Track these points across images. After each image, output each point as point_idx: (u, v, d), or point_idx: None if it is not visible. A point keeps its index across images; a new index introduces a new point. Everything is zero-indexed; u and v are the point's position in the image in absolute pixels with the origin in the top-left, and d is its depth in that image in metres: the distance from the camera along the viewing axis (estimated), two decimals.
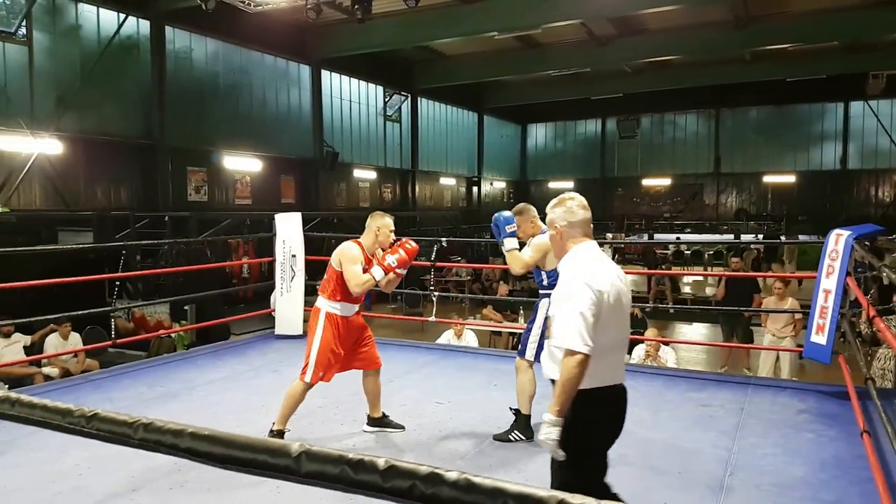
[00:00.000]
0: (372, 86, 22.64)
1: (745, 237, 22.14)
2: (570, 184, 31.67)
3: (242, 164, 17.48)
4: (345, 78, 21.28)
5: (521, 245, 4.54)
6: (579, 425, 2.50)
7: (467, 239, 19.65)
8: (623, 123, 30.28)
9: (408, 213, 23.32)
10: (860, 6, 16.37)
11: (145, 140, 14.86)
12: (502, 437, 4.41)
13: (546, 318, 4.34)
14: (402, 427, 4.56)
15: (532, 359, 4.42)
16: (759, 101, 27.42)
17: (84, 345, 8.43)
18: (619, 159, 31.12)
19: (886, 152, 26.03)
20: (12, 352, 8.01)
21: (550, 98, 26.84)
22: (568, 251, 2.67)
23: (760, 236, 23.14)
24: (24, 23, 12.60)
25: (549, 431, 2.46)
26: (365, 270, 4.25)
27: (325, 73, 20.08)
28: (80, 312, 6.83)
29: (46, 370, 8.30)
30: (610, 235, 23.64)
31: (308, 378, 4.17)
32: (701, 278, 16.28)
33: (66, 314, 7.02)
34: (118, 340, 7.09)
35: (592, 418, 2.55)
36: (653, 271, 15.60)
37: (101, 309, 7.48)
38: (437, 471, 0.81)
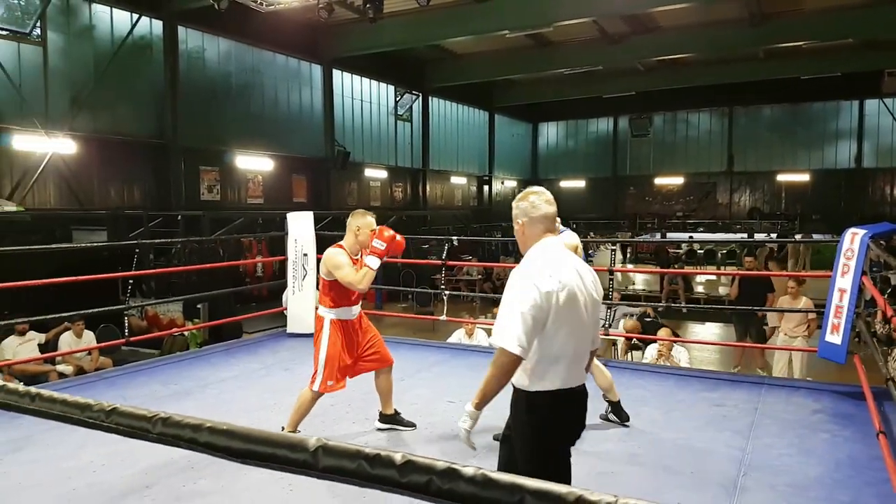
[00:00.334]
0: (383, 85, 22.67)
1: (758, 236, 22.01)
2: (581, 182, 31.62)
3: (254, 164, 17.54)
4: (356, 77, 21.31)
5: None
6: (535, 427, 2.51)
7: (478, 238, 19.62)
8: (635, 122, 30.17)
9: (418, 213, 23.35)
10: (875, 2, 16.22)
11: (158, 140, 14.94)
12: (501, 437, 4.39)
13: None
14: (413, 425, 4.56)
15: None
16: (773, 99, 27.23)
17: (98, 343, 8.48)
18: (631, 158, 30.99)
19: None
20: (27, 350, 8.07)
21: (562, 97, 26.77)
22: (529, 247, 2.62)
23: (774, 235, 22.99)
24: (38, 23, 12.69)
25: (464, 421, 2.51)
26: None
27: (336, 73, 20.12)
28: (93, 310, 6.88)
29: (61, 368, 8.36)
30: (619, 235, 23.55)
31: (316, 387, 4.16)
32: (714, 278, 16.20)
33: (79, 312, 7.08)
34: (131, 338, 7.14)
35: (547, 420, 2.51)
36: (665, 270, 15.53)
37: (114, 307, 7.52)
38: (455, 466, 0.81)
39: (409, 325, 12.28)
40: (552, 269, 2.46)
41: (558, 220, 4.45)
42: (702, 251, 19.69)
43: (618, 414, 4.62)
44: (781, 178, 28.08)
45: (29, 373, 7.99)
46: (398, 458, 0.83)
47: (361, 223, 4.23)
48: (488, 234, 23.08)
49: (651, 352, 7.58)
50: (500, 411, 4.87)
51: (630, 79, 24.58)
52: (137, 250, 8.12)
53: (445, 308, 7.73)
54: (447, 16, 16.68)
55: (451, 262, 8.76)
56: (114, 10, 14.06)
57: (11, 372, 7.73)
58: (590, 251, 15.41)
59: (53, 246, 10.03)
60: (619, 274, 11.27)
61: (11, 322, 7.61)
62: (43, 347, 8.43)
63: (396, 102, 23.30)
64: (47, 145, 12.62)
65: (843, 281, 5.06)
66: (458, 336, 8.26)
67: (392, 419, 4.56)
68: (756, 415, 4.86)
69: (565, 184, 31.96)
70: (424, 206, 24.57)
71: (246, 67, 17.33)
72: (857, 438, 4.37)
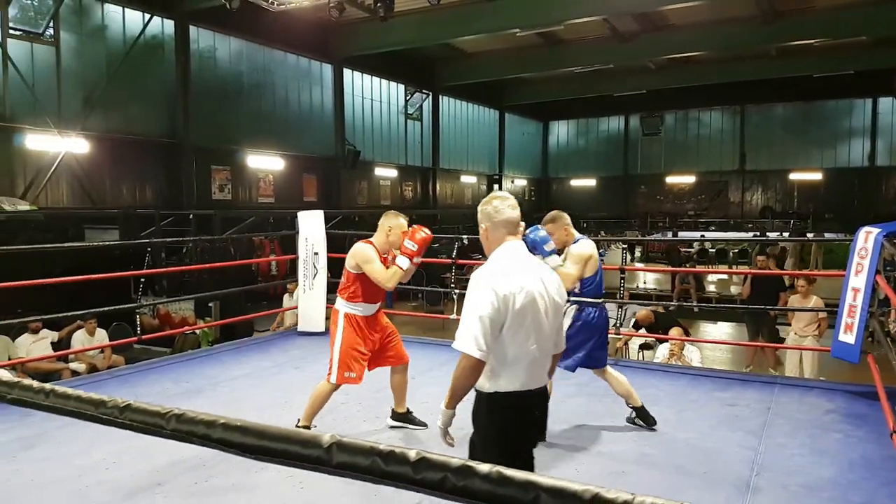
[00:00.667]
0: (393, 84, 22.68)
1: (770, 235, 21.88)
2: (592, 181, 31.52)
3: (265, 163, 17.59)
4: (366, 76, 21.33)
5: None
6: (494, 427, 2.54)
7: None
8: (646, 120, 30.05)
9: (429, 212, 23.34)
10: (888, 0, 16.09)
11: (170, 139, 15.00)
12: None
13: (568, 326, 4.33)
14: (424, 424, 4.56)
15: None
16: (785, 98, 27.03)
17: (110, 341, 8.52)
18: (642, 156, 30.87)
19: None
20: (40, 348, 8.12)
21: (573, 95, 26.68)
22: (493, 251, 2.66)
23: (786, 234, 22.85)
24: (51, 23, 12.78)
25: (438, 420, 2.62)
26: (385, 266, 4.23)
27: (347, 72, 20.15)
28: (106, 309, 6.92)
29: (73, 366, 8.41)
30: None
31: (333, 379, 4.17)
32: (726, 277, 16.10)
33: (92, 311, 7.12)
34: (143, 336, 7.17)
35: (505, 421, 2.53)
36: (676, 269, 15.46)
37: (126, 305, 7.55)
38: (469, 463, 0.81)
39: (419, 323, 12.28)
40: (510, 272, 2.50)
41: (571, 227, 4.46)
42: (713, 250, 19.59)
43: (644, 418, 4.57)
44: (794, 176, 27.90)
45: (42, 371, 8.04)
46: (412, 454, 0.83)
47: (393, 223, 4.25)
48: None
49: (663, 351, 7.54)
50: None
51: (641, 77, 24.47)
52: (149, 249, 8.14)
53: (456, 307, 7.73)
54: (458, 14, 16.66)
55: (460, 261, 8.76)
56: (126, 10, 14.13)
57: (25, 370, 7.78)
58: (601, 250, 15.33)
59: (66, 245, 10.08)
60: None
61: (25, 320, 7.66)
62: (56, 345, 8.48)
63: (407, 101, 23.31)
64: (60, 145, 12.70)
65: (857, 280, 5.02)
66: None
67: (404, 417, 4.57)
68: (769, 415, 4.83)
69: (576, 182, 31.87)
70: (434, 205, 24.56)
71: (257, 67, 17.38)
72: (871, 438, 4.34)
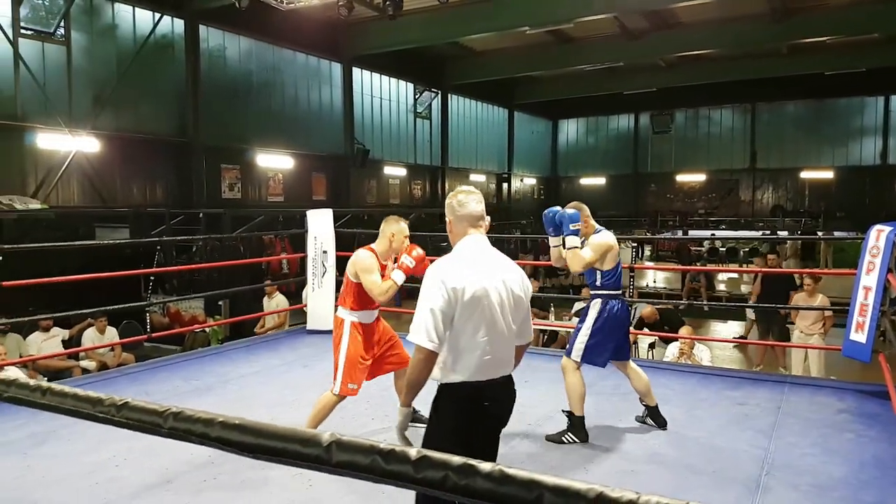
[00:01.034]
0: (402, 83, 22.67)
1: (781, 234, 21.76)
2: (601, 180, 31.42)
3: (275, 162, 17.62)
4: (375, 75, 21.33)
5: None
6: (444, 417, 2.56)
7: (497, 235, 19.54)
8: (656, 118, 29.92)
9: (437, 210, 23.25)
10: None
11: (180, 138, 15.05)
12: (555, 439, 4.33)
13: (594, 319, 4.32)
14: None
15: (578, 359, 4.35)
16: (797, 95, 26.83)
17: (120, 339, 8.56)
18: (652, 155, 30.73)
19: None
20: (51, 345, 8.17)
21: (582, 93, 26.58)
22: (456, 243, 2.70)
23: (798, 233, 22.73)
24: (62, 23, 12.84)
25: (396, 419, 2.69)
26: (383, 277, 4.15)
27: (356, 71, 20.15)
28: (116, 307, 6.95)
29: (84, 363, 8.45)
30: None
31: (336, 390, 4.15)
32: (736, 275, 16.03)
33: (102, 309, 7.15)
34: (153, 334, 7.21)
35: (454, 412, 2.54)
36: (685, 267, 15.40)
37: (137, 304, 7.59)
38: (471, 462, 0.80)
39: None
40: (462, 265, 2.55)
41: (592, 219, 4.44)
42: (724, 249, 19.50)
43: (655, 418, 4.55)
44: (805, 174, 27.71)
45: (53, 368, 8.08)
46: (413, 453, 0.82)
47: (395, 230, 4.21)
48: (507, 232, 23.02)
49: (672, 350, 7.52)
50: (529, 408, 4.86)
51: (651, 75, 24.37)
52: (159, 247, 8.17)
53: None
54: (467, 13, 16.64)
55: None
56: (136, 9, 14.18)
57: (36, 367, 7.82)
58: None
59: (77, 243, 10.13)
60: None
61: (36, 318, 7.71)
62: (66, 343, 8.53)
63: (416, 100, 23.30)
64: (71, 144, 12.76)
65: (869, 279, 4.99)
66: None
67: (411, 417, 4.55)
68: (779, 414, 4.80)
69: (586, 181, 31.77)
70: (443, 203, 24.51)
71: (266, 66, 17.41)
72: (883, 438, 4.31)
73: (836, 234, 18.85)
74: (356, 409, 4.87)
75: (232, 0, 12.40)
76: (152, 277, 7.83)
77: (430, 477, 0.80)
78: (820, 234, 20.38)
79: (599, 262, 4.32)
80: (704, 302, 12.61)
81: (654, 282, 16.78)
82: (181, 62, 14.96)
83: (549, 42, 20.52)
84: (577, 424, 4.31)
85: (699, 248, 19.45)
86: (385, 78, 21.79)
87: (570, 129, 32.86)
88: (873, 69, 22.07)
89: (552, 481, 0.75)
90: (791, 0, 16.76)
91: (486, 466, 0.79)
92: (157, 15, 14.31)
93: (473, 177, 26.85)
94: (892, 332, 5.35)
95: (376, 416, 4.79)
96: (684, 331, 7.60)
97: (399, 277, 4.09)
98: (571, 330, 9.29)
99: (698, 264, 17.69)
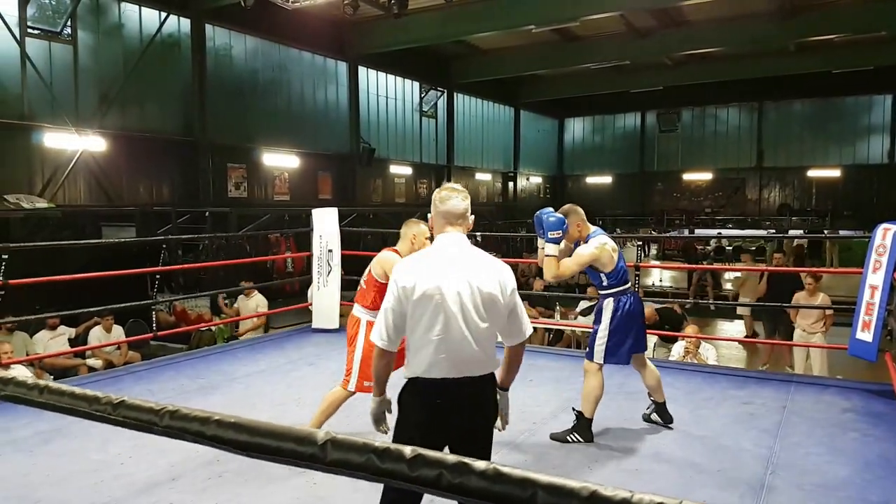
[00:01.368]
0: (408, 81, 22.67)
1: (790, 233, 21.69)
2: (608, 178, 31.37)
3: (281, 161, 17.65)
4: (381, 74, 21.34)
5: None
6: (400, 410, 2.60)
7: (502, 234, 19.54)
8: (663, 117, 29.86)
9: None
10: None
11: (186, 137, 15.09)
12: (560, 437, 4.32)
13: (610, 319, 4.29)
14: None
15: (601, 361, 4.31)
16: (804, 94, 26.75)
17: (126, 337, 8.58)
18: (658, 153, 30.67)
19: None
20: (58, 344, 8.18)
21: (588, 92, 26.55)
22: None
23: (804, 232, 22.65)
24: (68, 22, 12.88)
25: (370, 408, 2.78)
26: None
27: (361, 70, 20.17)
28: (122, 305, 6.97)
29: (90, 362, 8.47)
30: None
31: (352, 387, 4.15)
32: (741, 274, 15.95)
33: (109, 307, 7.17)
34: (160, 333, 7.22)
35: (407, 405, 2.57)
36: (691, 266, 15.35)
37: (143, 302, 7.60)
38: (465, 460, 0.80)
39: None
40: (420, 263, 2.59)
41: (586, 223, 4.39)
42: (730, 248, 19.43)
43: (661, 415, 4.52)
44: (812, 173, 27.61)
45: (59, 366, 8.11)
46: (408, 451, 0.82)
47: (416, 231, 4.21)
48: (513, 231, 22.99)
49: (678, 349, 7.50)
50: (534, 407, 4.86)
51: (658, 73, 24.31)
52: (164, 246, 8.21)
53: None
54: (472, 11, 16.63)
55: None
56: (142, 8, 14.22)
57: (42, 366, 7.85)
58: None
59: (83, 242, 10.18)
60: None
61: (43, 316, 7.73)
62: (73, 342, 8.54)
63: (421, 99, 23.30)
64: (77, 143, 12.81)
65: (875, 277, 4.97)
66: None
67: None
68: (784, 413, 4.79)
69: (592, 180, 31.73)
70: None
71: (272, 65, 17.44)
72: (889, 438, 4.29)
73: (842, 232, 18.78)
74: (364, 406, 4.87)
75: None
76: (158, 276, 7.84)
77: (424, 475, 0.80)
78: (826, 232, 20.29)
79: (599, 265, 4.27)
80: (710, 301, 12.56)
81: (661, 281, 16.74)
82: (187, 61, 15.00)
83: (555, 40, 20.49)
84: (584, 425, 4.30)
85: (706, 247, 19.38)
86: (391, 77, 21.79)
87: (577, 128, 32.81)
88: (881, 67, 21.97)
89: (546, 480, 0.75)
90: None
91: (480, 465, 0.79)
92: (164, 14, 14.34)
93: (479, 175, 26.85)
94: None
95: None
96: (689, 330, 7.58)
97: None
98: (576, 328, 9.28)
99: (705, 263, 17.62)
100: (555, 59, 21.85)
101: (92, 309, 7.26)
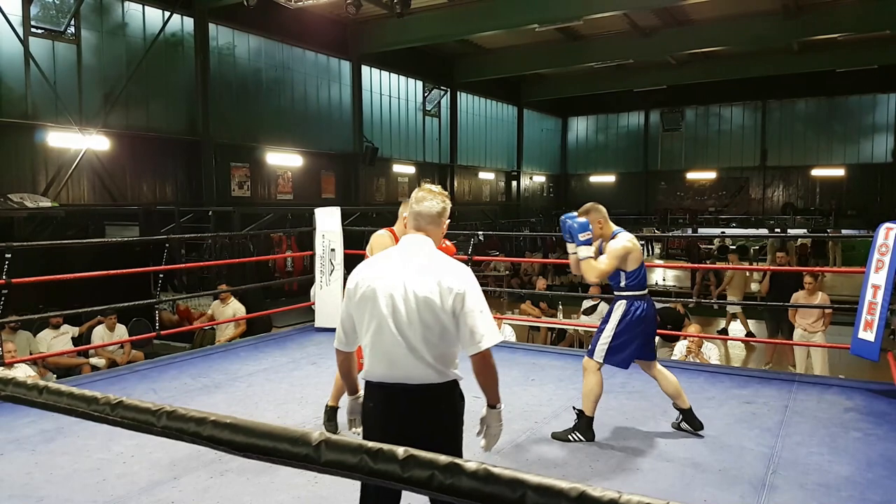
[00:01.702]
0: (411, 80, 22.68)
1: (792, 232, 21.66)
2: (611, 177, 31.35)
3: (284, 160, 17.68)
4: (384, 73, 21.36)
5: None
6: (364, 411, 2.60)
7: (505, 233, 19.56)
8: (667, 116, 29.85)
9: None
10: None
11: (190, 136, 15.12)
12: (561, 436, 4.31)
13: (619, 321, 4.27)
14: None
15: (601, 360, 4.29)
16: (808, 93, 26.74)
17: (130, 336, 8.61)
18: (662, 152, 30.65)
19: None
20: (61, 343, 8.22)
21: (592, 91, 26.58)
22: None
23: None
24: (72, 22, 12.92)
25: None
26: None
27: (364, 69, 20.18)
28: (126, 304, 6.99)
29: (94, 361, 8.50)
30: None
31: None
32: (746, 274, 15.94)
33: (112, 306, 7.19)
34: (163, 332, 7.24)
35: (365, 408, 2.58)
36: (694, 265, 15.35)
37: (146, 301, 7.63)
38: (457, 461, 0.81)
39: None
40: (367, 266, 2.57)
41: (608, 221, 4.36)
42: (734, 247, 19.41)
43: (690, 422, 4.39)
44: (816, 172, 27.58)
45: (62, 365, 8.14)
46: (400, 452, 0.83)
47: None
48: (516, 230, 23.00)
49: (680, 348, 7.49)
50: (537, 407, 4.87)
51: (661, 72, 24.31)
52: (167, 245, 8.21)
53: None
54: (475, 10, 16.64)
55: (477, 258, 8.74)
56: (146, 7, 14.25)
57: (46, 365, 7.88)
58: None
59: (86, 241, 10.20)
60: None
61: (46, 315, 7.76)
62: (76, 341, 8.58)
63: (425, 98, 23.32)
64: (81, 142, 12.85)
65: (877, 277, 4.96)
66: None
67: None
68: (787, 412, 4.78)
69: (595, 178, 31.71)
70: (452, 201, 24.45)
71: (276, 64, 17.46)
72: (891, 437, 4.29)
73: (845, 232, 18.75)
74: None
75: None
76: (161, 275, 7.87)
77: (416, 476, 0.81)
78: (829, 232, 20.25)
79: (622, 264, 4.25)
80: (713, 300, 12.54)
81: (664, 280, 16.73)
82: (191, 60, 15.03)
83: (558, 39, 20.49)
84: (585, 424, 4.29)
85: (709, 247, 19.36)
86: (394, 76, 21.81)
87: (580, 127, 32.79)
88: (885, 66, 21.94)
89: (535, 480, 0.76)
90: None
91: (471, 465, 0.79)
92: (167, 13, 14.37)
93: (482, 174, 26.86)
94: None
95: None
96: (692, 330, 7.58)
97: None
98: (579, 328, 9.28)
99: (708, 262, 17.61)
100: (558, 58, 21.86)
101: (95, 308, 7.29)
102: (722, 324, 12.05)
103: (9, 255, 5.34)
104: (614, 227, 4.33)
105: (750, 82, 24.90)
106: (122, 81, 13.57)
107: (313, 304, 7.83)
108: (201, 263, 11.13)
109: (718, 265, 17.28)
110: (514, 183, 28.95)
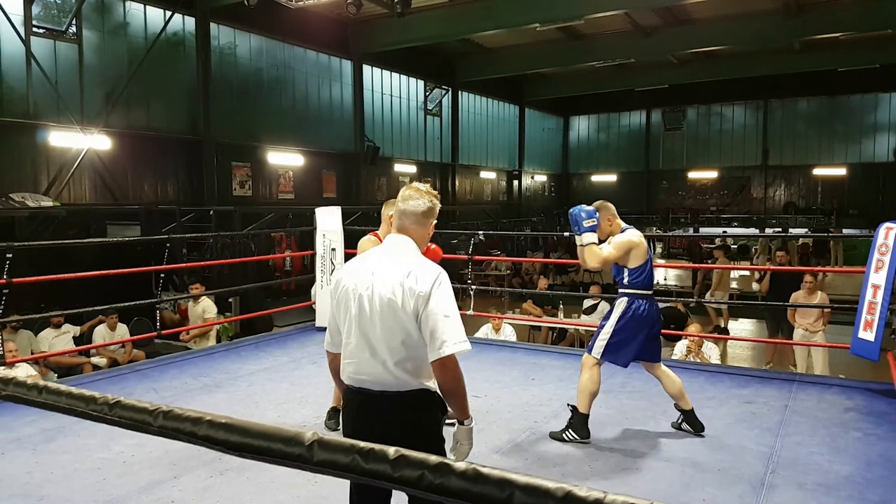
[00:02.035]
0: (413, 80, 22.68)
1: (793, 231, 21.64)
2: (613, 177, 31.33)
3: (285, 159, 17.68)
4: (386, 72, 21.36)
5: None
6: (342, 414, 2.59)
7: (506, 232, 19.57)
8: (668, 115, 29.82)
9: (447, 207, 23.31)
10: None
11: (191, 135, 15.13)
12: (556, 436, 4.31)
13: (618, 318, 4.28)
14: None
15: (598, 357, 4.29)
16: (809, 92, 26.70)
17: (131, 335, 8.62)
18: (664, 152, 30.62)
19: None
20: (62, 342, 8.23)
21: (593, 90, 26.55)
22: None
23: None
24: (73, 21, 12.93)
25: None
26: None
27: (366, 68, 20.18)
28: (127, 304, 7.01)
29: (95, 360, 8.51)
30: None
31: None
32: (748, 273, 15.94)
33: (113, 306, 7.20)
34: (164, 331, 7.25)
35: (343, 411, 2.55)
36: (695, 265, 15.33)
37: (147, 300, 7.64)
38: (446, 461, 0.82)
39: None
40: (348, 265, 2.56)
41: (617, 219, 4.38)
42: (735, 246, 19.39)
43: (692, 423, 4.39)
44: (818, 172, 27.55)
45: (64, 365, 8.15)
46: (391, 452, 0.84)
47: (393, 212, 4.19)
48: (518, 229, 22.99)
49: (680, 348, 7.50)
50: (537, 406, 4.88)
51: (663, 72, 24.28)
52: (168, 245, 8.22)
53: (473, 303, 7.74)
54: (477, 9, 16.63)
55: (478, 257, 8.75)
56: (147, 7, 14.25)
57: (47, 364, 7.90)
58: None
59: (88, 240, 10.22)
60: None
61: (47, 315, 7.78)
62: (77, 340, 8.59)
63: (426, 97, 23.31)
64: (83, 141, 12.85)
65: (877, 277, 4.96)
66: (485, 331, 8.27)
67: None
68: (786, 412, 4.79)
69: (597, 178, 31.70)
70: (453, 200, 24.55)
71: (277, 63, 17.46)
72: (891, 437, 4.29)
73: (846, 231, 18.74)
74: None
75: None
76: (163, 275, 7.88)
77: (406, 475, 0.82)
78: (830, 231, 20.24)
79: (624, 260, 4.25)
80: (714, 300, 12.53)
81: (665, 279, 16.72)
82: (192, 60, 15.03)
83: (559, 39, 20.48)
84: (579, 421, 4.27)
85: (710, 246, 19.32)
86: (395, 75, 21.81)
87: (581, 126, 32.77)
88: (887, 65, 21.90)
89: (523, 480, 0.77)
90: None
91: (460, 465, 0.80)
92: (168, 13, 14.37)
93: (484, 174, 26.87)
94: None
95: None
96: (693, 329, 7.58)
97: None
98: (580, 327, 9.28)
99: (709, 262, 17.59)
100: (559, 58, 21.84)
101: (96, 307, 7.30)
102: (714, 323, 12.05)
103: (10, 255, 5.35)
104: (623, 225, 4.36)
105: (751, 81, 24.87)
106: (123, 81, 13.58)
107: (314, 303, 7.84)
108: (202, 263, 11.14)
109: (718, 265, 17.28)
110: (516, 182, 28.94)
